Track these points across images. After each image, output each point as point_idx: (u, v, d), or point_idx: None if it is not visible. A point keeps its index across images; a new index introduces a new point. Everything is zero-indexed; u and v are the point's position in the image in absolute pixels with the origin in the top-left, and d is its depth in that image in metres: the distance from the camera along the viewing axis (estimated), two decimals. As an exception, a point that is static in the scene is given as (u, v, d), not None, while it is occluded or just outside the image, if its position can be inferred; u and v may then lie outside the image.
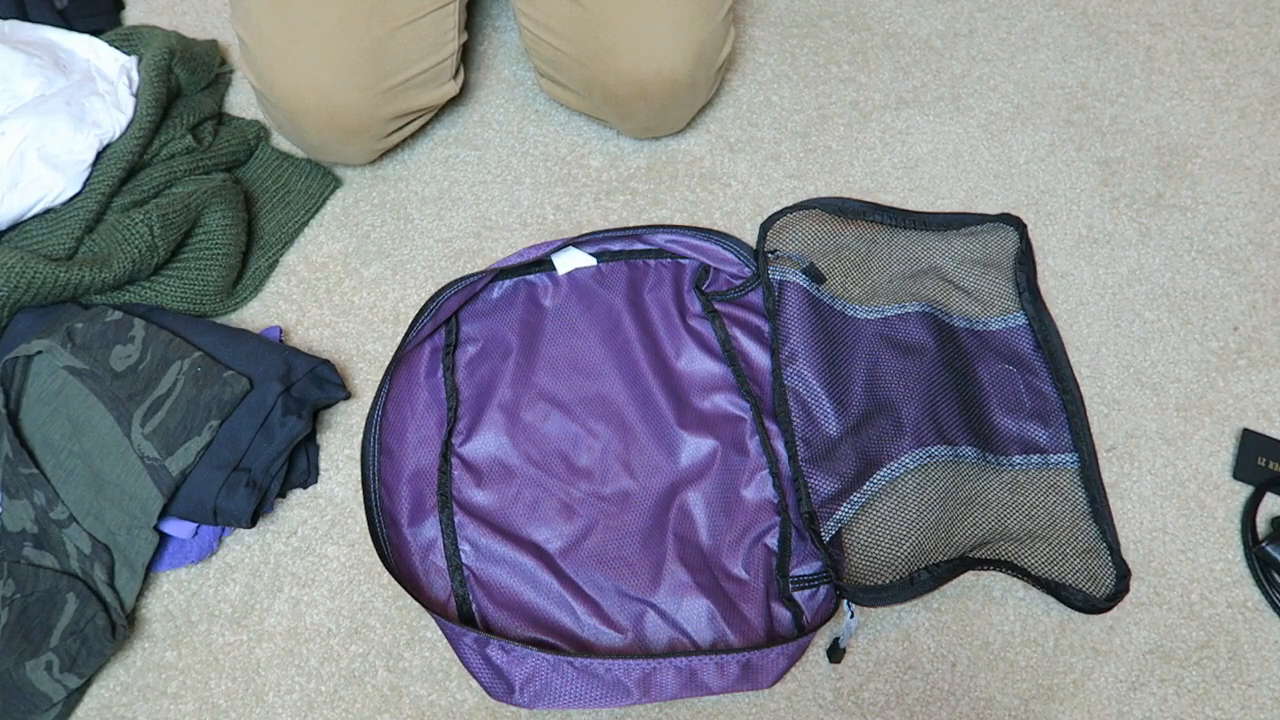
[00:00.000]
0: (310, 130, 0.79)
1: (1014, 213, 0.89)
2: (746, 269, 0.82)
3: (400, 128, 0.83)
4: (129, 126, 0.80)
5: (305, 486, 0.74)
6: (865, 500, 0.70)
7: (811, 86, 0.96)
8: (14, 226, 0.76)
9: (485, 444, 0.74)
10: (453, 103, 0.94)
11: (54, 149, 0.76)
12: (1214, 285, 0.85)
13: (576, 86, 0.84)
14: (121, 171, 0.78)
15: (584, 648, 0.67)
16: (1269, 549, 0.71)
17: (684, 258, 0.83)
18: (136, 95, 0.83)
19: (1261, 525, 0.74)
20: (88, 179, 0.77)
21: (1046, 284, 0.85)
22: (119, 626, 0.65)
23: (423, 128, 0.91)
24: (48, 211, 0.77)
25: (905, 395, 0.75)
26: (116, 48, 0.88)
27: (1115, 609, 0.70)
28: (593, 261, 0.82)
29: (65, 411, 0.69)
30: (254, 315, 0.82)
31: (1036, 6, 1.02)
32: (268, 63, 0.76)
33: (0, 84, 0.79)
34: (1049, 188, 0.90)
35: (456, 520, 0.71)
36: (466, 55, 0.97)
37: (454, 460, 0.74)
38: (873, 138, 0.93)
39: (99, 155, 0.78)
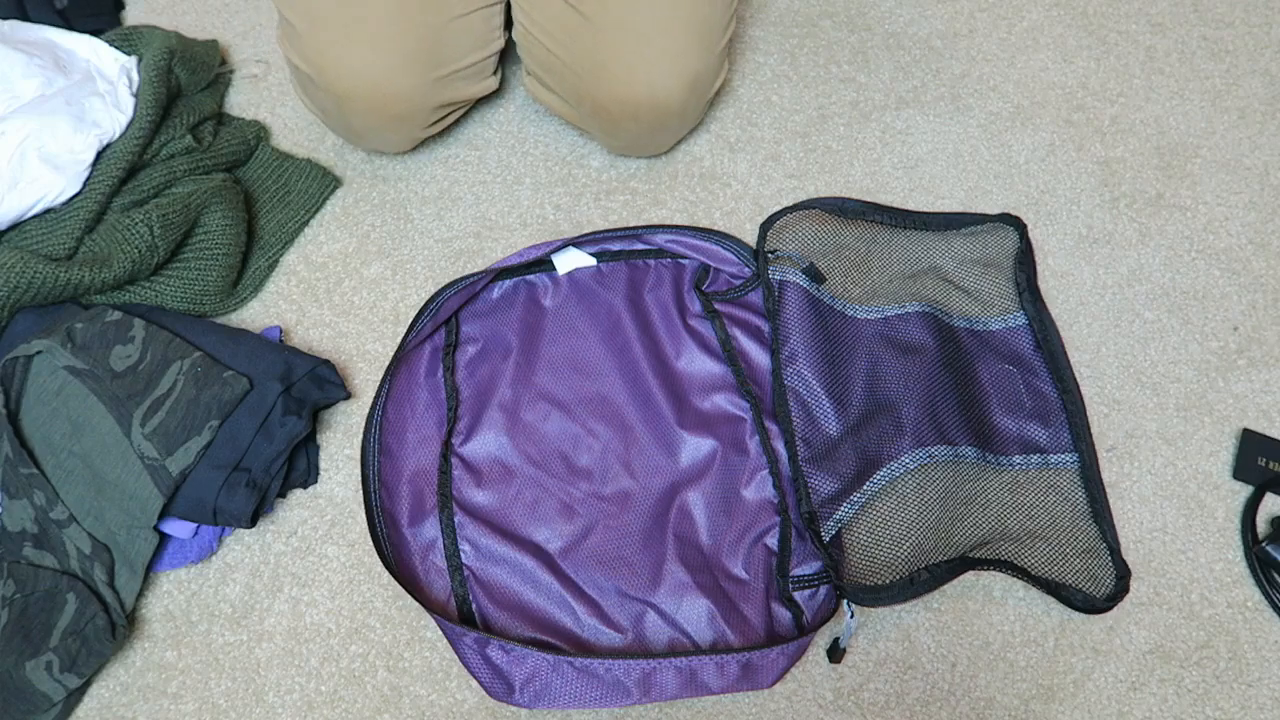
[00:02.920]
0: (357, 115, 0.79)
1: (1014, 213, 0.89)
2: (746, 269, 0.82)
3: (442, 118, 0.84)
4: (129, 126, 0.80)
5: (305, 486, 0.74)
6: (865, 500, 0.70)
7: (811, 86, 0.96)
8: (14, 226, 0.76)
9: (485, 444, 0.74)
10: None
11: (54, 149, 0.76)
12: (1214, 285, 0.85)
13: (565, 94, 0.84)
14: (121, 171, 0.78)
15: (584, 648, 0.67)
16: (1269, 549, 0.71)
17: (684, 258, 0.83)
18: (136, 95, 0.83)
19: (1261, 525, 0.74)
20: (88, 179, 0.77)
21: (1046, 284, 0.85)
22: (119, 626, 0.65)
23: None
24: (48, 211, 0.77)
25: (905, 395, 0.75)
26: (116, 48, 0.88)
27: (1115, 609, 0.70)
28: (593, 261, 0.82)
29: (65, 411, 0.69)
30: (254, 315, 0.82)
31: (1036, 6, 1.02)
32: (319, 47, 0.76)
33: (0, 84, 0.79)
34: (1049, 188, 0.90)
35: (456, 520, 0.71)
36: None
37: (454, 460, 0.74)
38: (873, 138, 0.93)
39: (99, 155, 0.78)
